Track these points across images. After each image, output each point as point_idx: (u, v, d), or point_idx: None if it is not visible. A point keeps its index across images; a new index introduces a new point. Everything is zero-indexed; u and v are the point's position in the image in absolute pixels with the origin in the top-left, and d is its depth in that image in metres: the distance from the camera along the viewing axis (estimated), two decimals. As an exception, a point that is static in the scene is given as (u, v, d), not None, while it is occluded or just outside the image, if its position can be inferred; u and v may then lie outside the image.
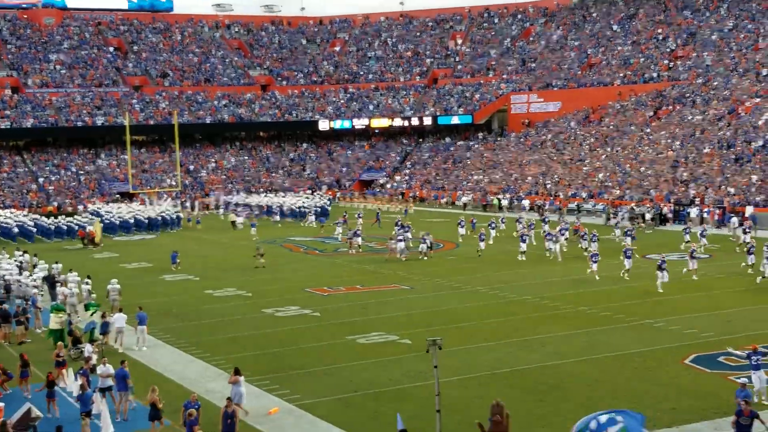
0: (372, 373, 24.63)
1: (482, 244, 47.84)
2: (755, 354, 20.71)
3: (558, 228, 49.15)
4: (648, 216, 59.43)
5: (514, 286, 37.69)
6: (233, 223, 67.81)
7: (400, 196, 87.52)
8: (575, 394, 22.22)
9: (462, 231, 54.50)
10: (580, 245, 47.45)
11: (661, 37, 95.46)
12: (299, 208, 73.61)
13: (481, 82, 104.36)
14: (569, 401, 21.59)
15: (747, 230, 46.75)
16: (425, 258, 46.53)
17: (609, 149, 79.78)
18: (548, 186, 76.64)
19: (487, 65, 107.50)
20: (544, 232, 49.43)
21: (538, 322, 30.57)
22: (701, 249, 44.73)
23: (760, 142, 66.39)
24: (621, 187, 70.05)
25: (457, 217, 61.61)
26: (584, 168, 78.26)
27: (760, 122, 69.50)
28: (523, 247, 45.33)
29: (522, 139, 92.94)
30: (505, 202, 74.34)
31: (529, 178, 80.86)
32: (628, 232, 47.76)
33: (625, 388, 22.55)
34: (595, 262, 38.32)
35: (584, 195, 71.10)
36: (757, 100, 73.78)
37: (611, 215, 62.38)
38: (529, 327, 29.73)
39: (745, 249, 40.58)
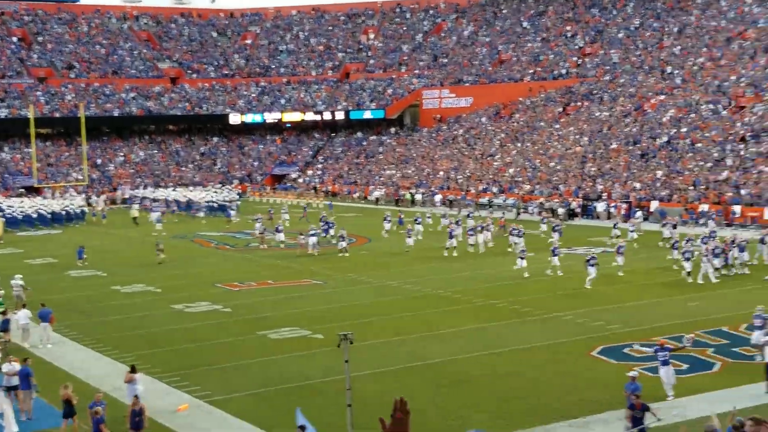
0: (284, 369, 24.47)
1: (410, 240, 47.38)
2: (663, 350, 20.95)
3: (486, 223, 49.11)
4: (561, 211, 60.27)
5: (426, 281, 37.85)
6: (134, 219, 65.90)
7: (313, 191, 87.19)
8: (486, 386, 22.44)
9: (388, 226, 54.11)
10: (509, 241, 46.65)
11: (569, 34, 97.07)
12: (209, 202, 72.73)
13: (393, 77, 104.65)
14: (480, 394, 21.80)
15: (667, 224, 47.13)
16: (345, 254, 45.93)
17: (519, 144, 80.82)
18: (460, 181, 77.29)
19: (399, 60, 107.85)
20: (469, 227, 49.20)
21: (450, 315, 30.77)
22: (634, 244, 45.15)
23: (665, 139, 68.04)
24: (531, 182, 71.03)
25: (370, 211, 61.59)
26: (495, 163, 79.12)
27: (664, 119, 71.23)
28: (452, 242, 44.96)
29: (434, 134, 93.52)
30: (419, 197, 74.65)
31: (441, 172, 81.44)
32: (556, 228, 47.82)
33: (534, 380, 22.86)
34: (523, 258, 38.03)
35: (495, 190, 71.87)
36: (662, 97, 75.59)
37: (521, 210, 63.22)
38: (440, 321, 29.89)
39: (669, 245, 41.22)
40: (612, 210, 59.31)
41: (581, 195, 64.10)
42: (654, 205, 58.21)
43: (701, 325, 27.48)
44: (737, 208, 53.50)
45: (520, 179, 72.72)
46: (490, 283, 37.06)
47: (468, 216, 55.82)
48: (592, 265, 34.98)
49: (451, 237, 45.36)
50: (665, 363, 20.67)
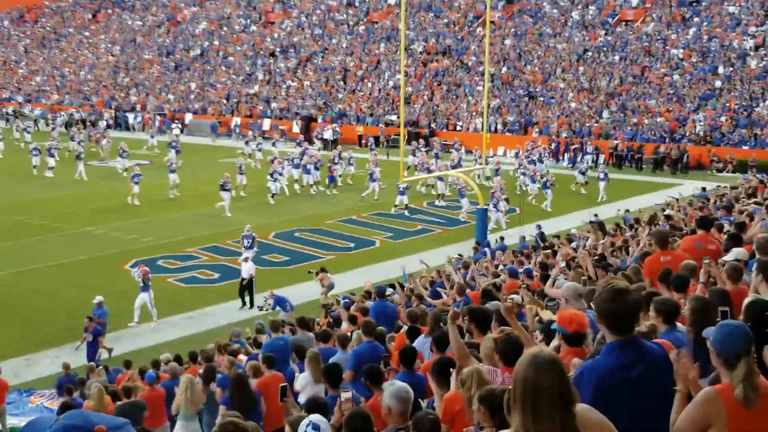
0: None
1: None
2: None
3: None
4: (102, 125, 56.96)
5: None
6: None
7: None
8: (15, 306, 21.35)
9: None
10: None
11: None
12: None
13: None
14: (8, 314, 20.74)
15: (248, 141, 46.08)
16: None
17: (46, 51, 76.60)
18: (-20, 89, 71.58)
19: None
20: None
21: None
22: (256, 165, 41.68)
23: (198, 51, 68.37)
24: (60, 92, 67.74)
25: None
26: (20, 71, 74.35)
27: (197, 31, 71.46)
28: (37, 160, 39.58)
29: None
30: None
31: (-42, 79, 74.76)
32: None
33: (66, 297, 22.09)
34: (137, 183, 32.98)
35: (21, 99, 67.41)
36: (195, 8, 75.66)
37: (50, 121, 59.97)
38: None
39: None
40: (140, 121, 58.18)
41: (114, 106, 62.45)
42: (188, 117, 58.44)
43: (232, 236, 27.71)
44: (267, 122, 55.45)
45: (47, 89, 69.01)
46: (16, 198, 34.80)
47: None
48: (228, 190, 31.86)
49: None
50: (144, 289, 20.28)
